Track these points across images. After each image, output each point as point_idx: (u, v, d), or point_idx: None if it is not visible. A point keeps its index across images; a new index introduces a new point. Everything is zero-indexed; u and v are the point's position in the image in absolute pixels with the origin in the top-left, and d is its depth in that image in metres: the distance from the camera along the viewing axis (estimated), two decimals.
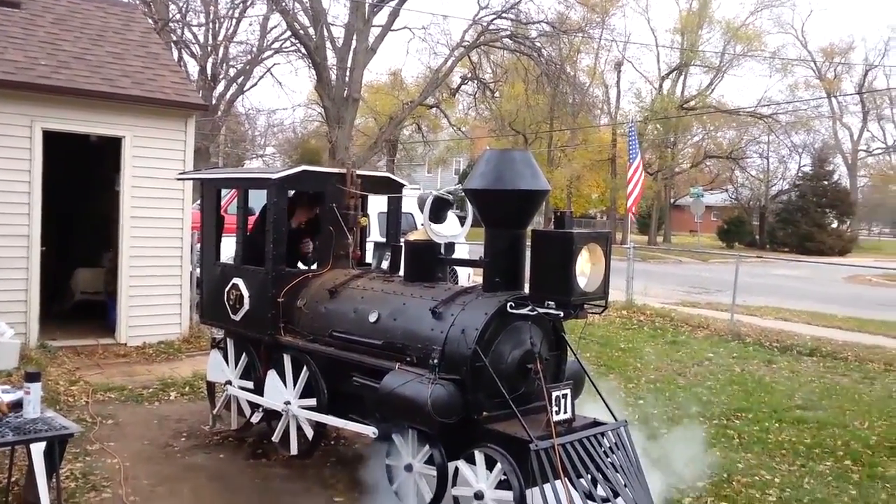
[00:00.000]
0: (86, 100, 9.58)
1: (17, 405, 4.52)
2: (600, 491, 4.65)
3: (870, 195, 64.74)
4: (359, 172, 6.50)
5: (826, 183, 47.07)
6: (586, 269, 4.77)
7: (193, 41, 30.93)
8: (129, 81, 10.04)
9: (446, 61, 29.33)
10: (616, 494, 4.64)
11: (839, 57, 52.18)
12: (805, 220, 45.01)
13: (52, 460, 4.69)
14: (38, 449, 4.48)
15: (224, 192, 7.91)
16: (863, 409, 8.69)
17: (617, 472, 4.73)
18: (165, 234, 10.23)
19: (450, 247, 5.78)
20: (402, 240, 6.36)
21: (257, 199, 6.72)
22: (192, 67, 30.63)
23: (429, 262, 5.68)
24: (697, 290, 21.60)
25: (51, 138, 9.48)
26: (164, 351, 9.98)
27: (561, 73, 30.26)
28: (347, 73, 25.45)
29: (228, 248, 7.06)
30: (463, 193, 5.45)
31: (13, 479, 5.19)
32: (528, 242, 5.12)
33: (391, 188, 6.88)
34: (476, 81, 33.01)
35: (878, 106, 54.99)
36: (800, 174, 50.31)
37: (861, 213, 58.18)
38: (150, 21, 13.09)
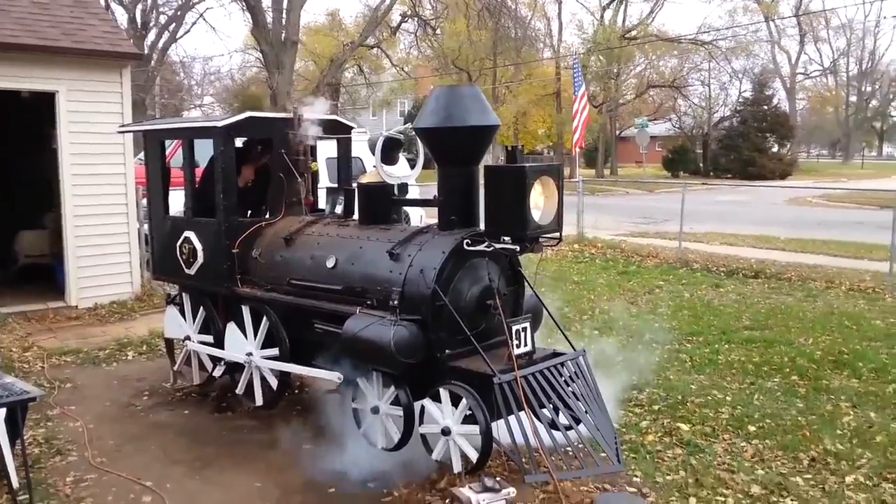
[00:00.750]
0: (14, 54, 9.16)
1: None
2: (563, 419, 4.79)
3: (808, 118, 66.16)
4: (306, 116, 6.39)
5: (766, 108, 47.83)
6: (540, 202, 4.81)
7: None
8: (57, 32, 9.61)
9: None
10: (578, 421, 4.79)
11: None
12: (746, 146, 45.80)
13: (15, 427, 4.64)
14: None
15: (167, 144, 7.71)
16: (807, 326, 9.04)
17: (578, 400, 4.87)
18: (109, 190, 9.97)
19: (403, 188, 5.77)
20: (353, 183, 6.31)
21: (200, 151, 6.57)
22: (121, 16, 29.45)
23: (383, 205, 5.66)
24: (646, 221, 21.98)
25: None
26: (116, 311, 9.84)
27: (502, 6, 29.89)
28: (284, 16, 24.72)
29: (176, 202, 6.91)
30: (413, 133, 5.41)
31: None
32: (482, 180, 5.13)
33: (339, 131, 6.78)
34: (417, 19, 32.45)
35: (815, 28, 55.80)
36: (741, 100, 51.00)
37: (800, 137, 59.45)
38: None
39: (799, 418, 6.13)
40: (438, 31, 36.39)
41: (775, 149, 48.61)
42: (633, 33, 46.96)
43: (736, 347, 8.21)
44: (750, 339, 8.50)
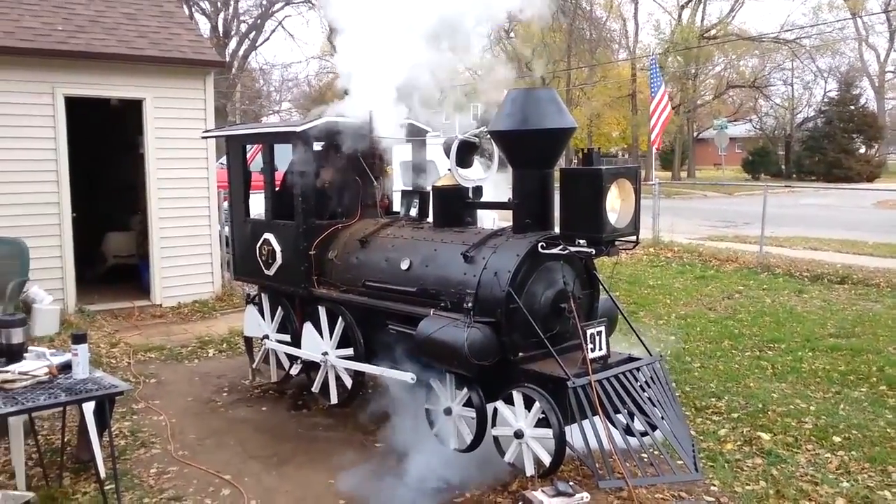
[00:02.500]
0: (104, 63, 9.59)
1: (65, 367, 4.64)
2: (638, 425, 4.71)
3: None
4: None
5: (853, 108, 45.95)
6: (616, 205, 4.74)
7: None
8: (145, 42, 10.01)
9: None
10: (654, 428, 4.70)
11: None
12: (832, 147, 44.11)
13: (103, 419, 4.83)
14: (89, 408, 4.62)
15: (248, 148, 7.92)
16: None
17: (654, 406, 4.78)
18: (192, 193, 10.33)
19: (477, 190, 5.77)
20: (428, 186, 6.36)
21: (280, 156, 6.73)
22: (204, 25, 30.42)
23: (457, 207, 5.69)
24: (724, 224, 21.41)
25: (72, 104, 9.52)
26: (198, 310, 10.16)
27: (577, 7, 29.64)
28: None
29: (256, 205, 7.10)
30: (488, 136, 5.41)
31: (66, 440, 5.36)
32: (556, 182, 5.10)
33: (414, 135, 6.84)
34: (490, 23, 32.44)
35: None
36: (825, 100, 49.15)
37: (889, 137, 56.89)
38: None
39: (888, 430, 5.87)
40: (512, 35, 36.33)
41: (862, 150, 46.64)
42: (712, 32, 45.84)
43: (820, 355, 7.92)
44: (835, 347, 8.19)
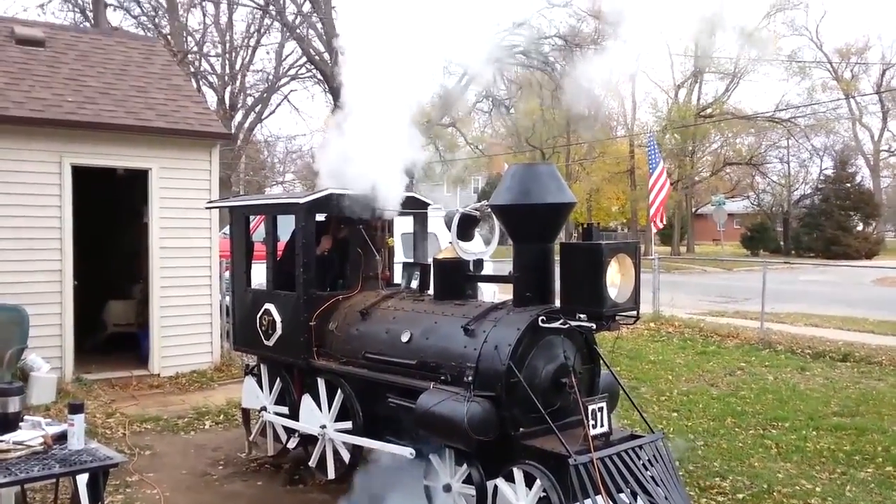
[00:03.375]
0: (112, 134, 9.76)
1: (60, 437, 4.58)
2: None
3: (894, 196, 63.90)
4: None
5: (849, 185, 46.52)
6: (616, 279, 4.77)
7: (211, 72, 31.37)
8: (153, 114, 10.21)
9: (460, 80, 29.47)
10: None
11: (855, 57, 51.77)
12: (829, 224, 44.47)
13: (97, 491, 4.72)
14: (83, 480, 4.52)
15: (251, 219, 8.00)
16: None
17: (657, 485, 4.69)
18: (194, 263, 10.36)
19: (478, 264, 5.80)
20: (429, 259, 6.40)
21: (282, 226, 6.79)
22: (211, 98, 31.03)
23: (458, 280, 5.71)
24: (724, 300, 21.40)
25: (78, 172, 9.64)
26: (196, 380, 10.06)
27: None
28: None
29: (258, 275, 7.12)
30: (489, 210, 5.47)
31: None
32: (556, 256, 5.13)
33: (416, 207, 6.91)
34: (491, 98, 33.11)
35: None
36: (822, 177, 49.77)
37: (886, 215, 57.40)
38: (169, 53, 13.31)
39: None
40: (512, 111, 37.03)
41: (860, 227, 47.02)
42: (709, 111, 46.78)
43: (825, 434, 7.82)
44: (840, 425, 8.09)
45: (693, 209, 52.46)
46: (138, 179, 10.35)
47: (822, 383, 10.23)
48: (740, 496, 6.08)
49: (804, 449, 7.33)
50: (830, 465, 6.91)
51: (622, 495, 4.52)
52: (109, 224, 11.84)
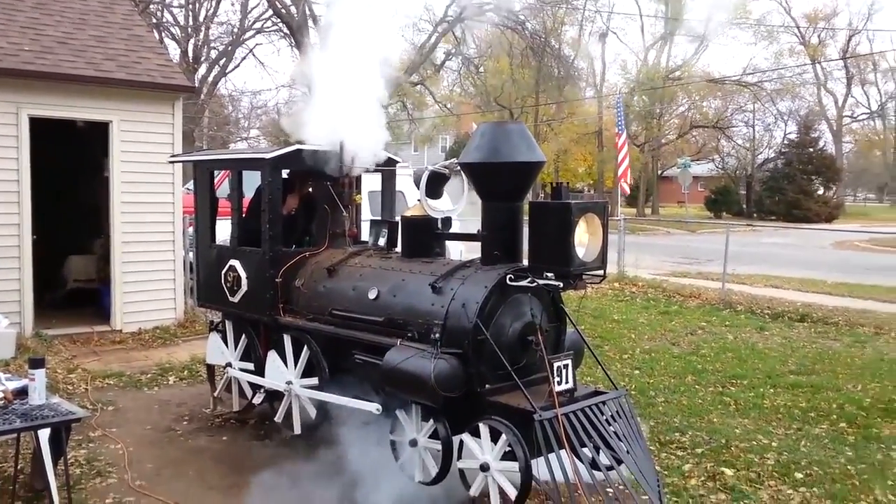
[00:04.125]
0: (71, 85, 9.48)
1: (21, 392, 4.52)
2: (604, 459, 4.70)
3: (855, 161, 65.04)
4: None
5: (812, 150, 47.18)
6: (584, 239, 4.79)
7: (173, 23, 30.56)
8: (114, 65, 9.93)
9: (430, 37, 29.13)
10: (619, 462, 4.69)
11: (823, 22, 52.17)
12: (791, 188, 45.16)
13: (59, 446, 4.70)
14: (44, 435, 4.49)
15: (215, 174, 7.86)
16: (855, 373, 8.81)
17: (620, 440, 4.77)
18: (157, 218, 10.19)
19: (446, 221, 5.79)
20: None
21: (247, 182, 6.69)
22: (174, 50, 30.26)
23: (426, 238, 5.69)
24: (688, 261, 21.70)
25: (37, 125, 9.38)
26: (160, 336, 9.98)
27: (545, 46, 30.15)
28: None
29: (222, 231, 7.03)
30: (458, 167, 5.44)
31: (19, 468, 5.19)
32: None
33: (385, 165, 6.85)
34: (460, 57, 32.83)
35: (862, 71, 55.07)
36: (785, 142, 50.38)
37: (847, 180, 58.42)
38: (131, 3, 12.89)
39: (848, 467, 5.95)
40: (482, 69, 36.76)
41: (821, 191, 47.85)
42: (677, 74, 46.89)
43: (782, 392, 8.02)
44: (796, 383, 8.30)
45: (659, 171, 52.87)
46: (99, 132, 10.11)
47: (780, 343, 10.47)
48: (699, 451, 6.22)
49: (761, 405, 7.52)
50: (786, 421, 7.10)
51: (585, 450, 4.60)
52: (69, 178, 11.57)
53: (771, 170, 49.80)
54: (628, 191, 19.89)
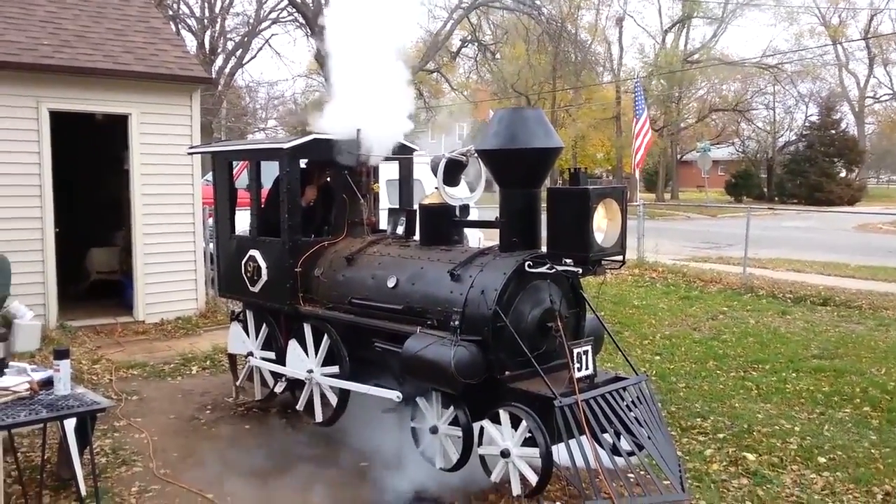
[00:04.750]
0: (90, 78, 9.55)
1: (47, 383, 4.58)
2: (625, 445, 4.70)
3: (878, 143, 64.06)
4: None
5: (833, 132, 46.53)
6: (603, 224, 4.77)
7: (189, 15, 30.68)
8: (132, 58, 9.99)
9: (445, 24, 29.03)
10: (640, 448, 4.69)
11: (844, 2, 51.34)
12: (813, 171, 44.61)
13: (84, 436, 4.76)
14: (70, 425, 4.55)
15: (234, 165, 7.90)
16: (879, 356, 8.72)
17: (641, 426, 4.77)
18: (177, 210, 10.27)
19: (464, 209, 5.78)
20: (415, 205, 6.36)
21: (265, 173, 6.72)
22: (190, 42, 30.38)
23: (444, 225, 5.69)
24: (708, 246, 21.56)
25: (57, 119, 9.47)
26: (182, 327, 10.07)
27: (562, 31, 29.94)
28: None
29: (241, 222, 7.07)
30: (476, 155, 5.43)
31: (46, 457, 5.27)
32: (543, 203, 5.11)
33: (401, 153, 6.85)
34: (476, 44, 32.69)
35: (885, 51, 54.13)
36: (807, 124, 49.72)
37: (869, 162, 57.59)
38: None
39: (872, 451, 5.90)
40: (498, 56, 36.59)
41: (843, 174, 47.22)
42: (696, 57, 46.42)
43: (804, 376, 7.96)
44: (819, 368, 8.24)
45: (678, 156, 52.44)
46: (118, 125, 10.18)
47: (803, 327, 10.38)
48: (721, 436, 6.20)
49: (784, 390, 7.47)
50: (809, 405, 7.05)
51: (606, 435, 4.60)
52: (90, 171, 11.67)
53: (792, 153, 49.21)
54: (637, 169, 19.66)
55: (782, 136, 52.51)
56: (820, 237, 24.23)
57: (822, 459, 5.73)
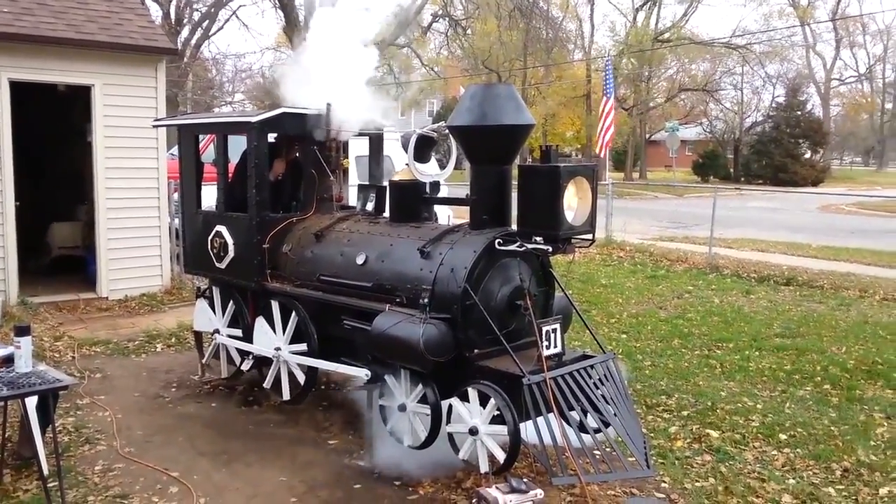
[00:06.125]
0: (52, 47, 9.29)
1: (7, 360, 4.48)
2: (591, 422, 4.74)
3: (842, 124, 65.11)
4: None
5: (799, 113, 47.13)
6: (573, 202, 4.78)
7: None
8: (95, 27, 9.73)
9: None
10: (607, 425, 4.73)
11: None
12: (779, 152, 45.18)
13: (47, 414, 4.68)
14: (32, 403, 4.47)
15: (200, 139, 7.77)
16: (839, 335, 8.89)
17: (607, 403, 4.81)
18: (141, 184, 10.08)
19: (435, 186, 5.75)
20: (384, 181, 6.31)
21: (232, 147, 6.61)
22: (155, 12, 29.71)
23: (414, 202, 5.66)
24: (675, 225, 21.78)
25: (18, 89, 9.21)
26: (146, 303, 9.93)
27: (534, 7, 29.81)
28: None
29: (208, 197, 6.96)
30: (446, 131, 5.38)
31: (6, 436, 5.17)
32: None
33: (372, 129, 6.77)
34: (447, 19, 32.44)
35: (851, 33, 54.98)
36: (773, 105, 50.32)
37: (833, 143, 58.51)
38: None
39: (831, 428, 6.03)
40: (469, 32, 36.34)
41: (808, 155, 47.91)
42: (666, 36, 46.56)
43: (767, 355, 8.09)
44: (781, 346, 8.38)
45: (647, 135, 52.75)
46: (81, 96, 9.94)
47: (766, 306, 10.55)
48: (685, 413, 6.28)
49: (747, 368, 7.59)
50: (771, 383, 7.17)
51: (573, 413, 4.63)
52: (52, 143, 11.41)
53: (759, 133, 49.75)
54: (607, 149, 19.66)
55: (749, 116, 53.11)
56: (784, 217, 24.60)
57: (783, 436, 5.84)
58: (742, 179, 46.80)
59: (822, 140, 48.50)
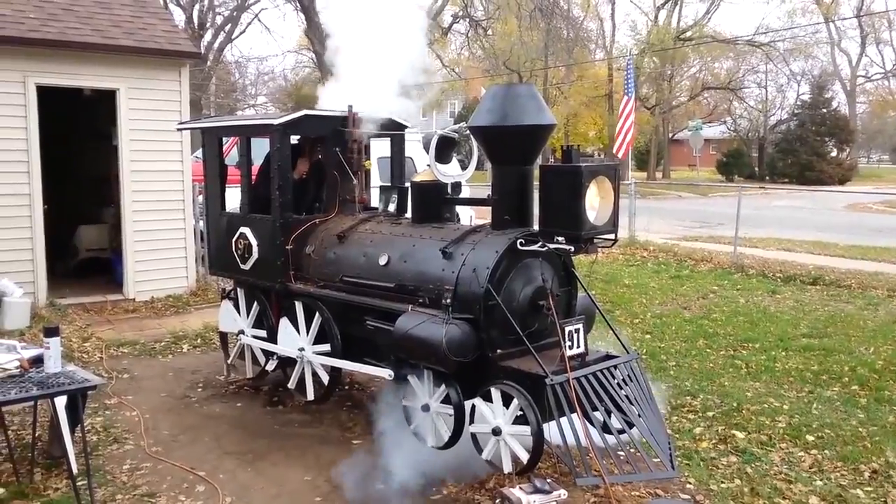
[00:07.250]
0: (78, 52, 9.43)
1: (37, 361, 4.55)
2: (615, 423, 4.72)
3: (869, 122, 64.16)
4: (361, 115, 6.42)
5: (825, 111, 46.49)
6: (595, 202, 4.75)
7: None
8: (120, 32, 9.86)
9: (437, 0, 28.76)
10: (631, 425, 4.70)
11: None
12: (804, 150, 44.62)
13: (76, 414, 4.74)
14: (61, 403, 4.53)
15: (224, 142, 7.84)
16: (867, 335, 8.77)
17: (631, 403, 4.78)
18: (166, 186, 10.19)
19: (456, 186, 5.75)
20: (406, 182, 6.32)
21: (256, 149, 6.66)
22: (179, 16, 30.04)
23: (436, 203, 5.66)
24: (699, 225, 21.61)
25: (45, 94, 9.35)
26: (172, 304, 10.04)
27: (554, 7, 29.73)
28: None
29: (232, 199, 7.02)
30: (467, 132, 5.39)
31: (37, 435, 5.26)
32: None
33: (393, 130, 6.80)
34: (468, 20, 32.45)
35: (877, 29, 54.03)
36: (798, 103, 49.70)
37: (860, 141, 57.70)
38: None
39: (859, 429, 5.95)
40: (489, 32, 36.36)
41: (834, 153, 47.27)
42: (688, 34, 46.21)
43: (793, 355, 8.01)
44: (808, 346, 8.29)
45: (670, 134, 52.38)
46: (106, 100, 10.07)
47: (792, 306, 10.44)
48: (710, 414, 6.24)
49: (773, 369, 7.52)
50: (798, 384, 7.10)
51: (597, 413, 4.61)
52: (78, 147, 11.57)
53: (783, 132, 49.18)
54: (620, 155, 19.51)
55: (774, 114, 52.49)
56: (810, 216, 24.32)
57: (810, 437, 5.78)
58: (767, 178, 46.30)
59: (849, 138, 47.81)
